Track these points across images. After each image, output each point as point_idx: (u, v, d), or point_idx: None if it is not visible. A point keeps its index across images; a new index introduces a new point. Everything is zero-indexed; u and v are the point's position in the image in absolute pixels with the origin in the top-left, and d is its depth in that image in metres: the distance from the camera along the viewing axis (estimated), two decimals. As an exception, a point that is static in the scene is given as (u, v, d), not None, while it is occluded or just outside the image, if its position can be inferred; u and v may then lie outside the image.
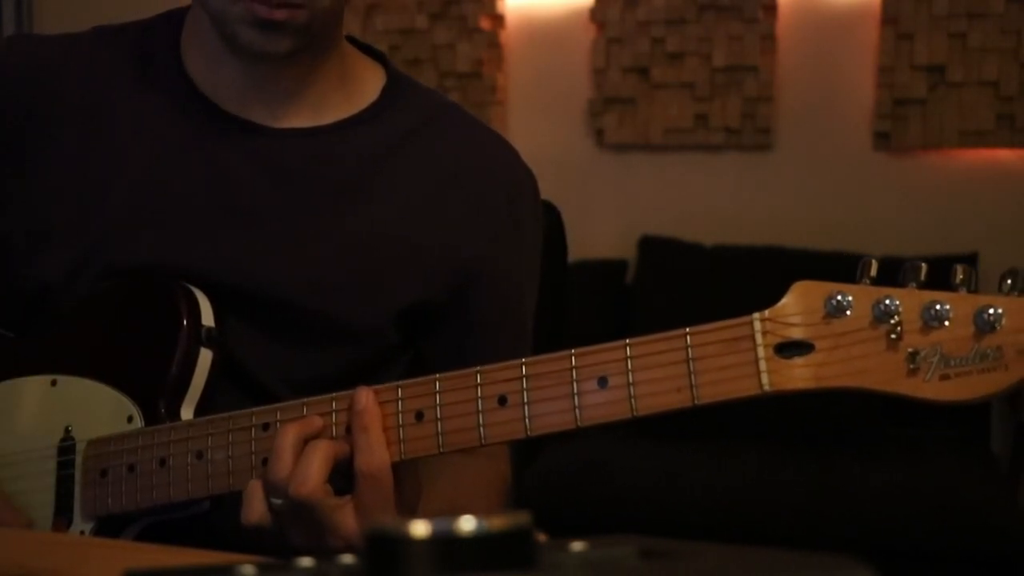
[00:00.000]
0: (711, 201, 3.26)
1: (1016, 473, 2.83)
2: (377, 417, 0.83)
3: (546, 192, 1.36)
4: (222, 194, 1.02)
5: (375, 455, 0.82)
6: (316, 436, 0.85)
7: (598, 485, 2.62)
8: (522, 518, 0.36)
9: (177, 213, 1.02)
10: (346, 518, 0.83)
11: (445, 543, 0.35)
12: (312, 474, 0.82)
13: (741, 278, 2.90)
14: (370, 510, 0.83)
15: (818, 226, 3.11)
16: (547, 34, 3.35)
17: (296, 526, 0.84)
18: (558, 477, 2.62)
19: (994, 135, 3.01)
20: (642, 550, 0.37)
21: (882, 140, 3.11)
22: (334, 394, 0.86)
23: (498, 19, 3.36)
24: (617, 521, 2.52)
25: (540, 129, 3.36)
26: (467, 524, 0.35)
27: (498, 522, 0.35)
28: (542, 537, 0.37)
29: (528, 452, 2.50)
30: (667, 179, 3.30)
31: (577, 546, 0.37)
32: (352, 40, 1.11)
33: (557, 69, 3.35)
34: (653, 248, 3.16)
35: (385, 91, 1.08)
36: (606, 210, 3.32)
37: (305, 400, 0.87)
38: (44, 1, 3.68)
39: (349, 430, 0.84)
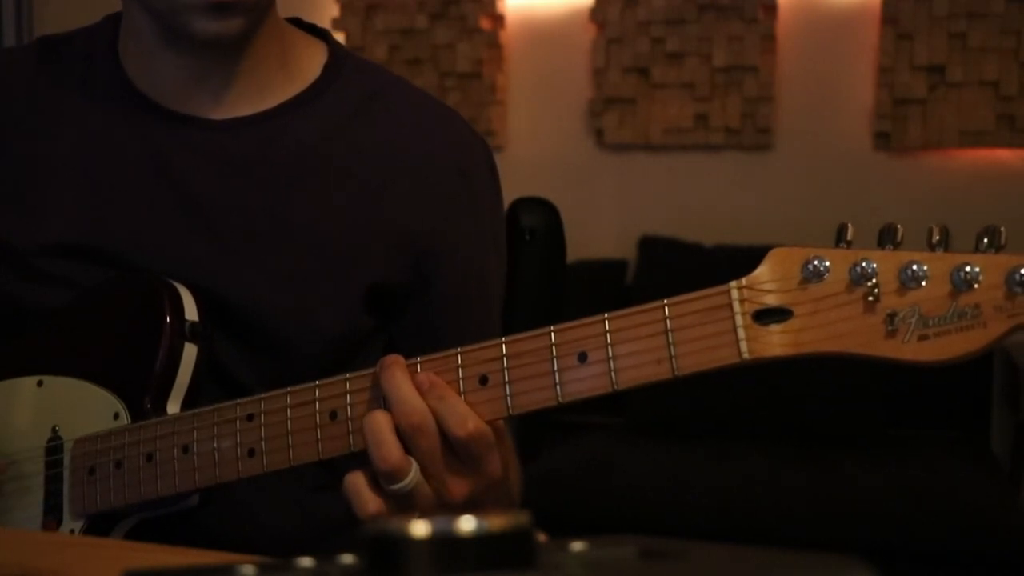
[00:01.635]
0: (711, 201, 3.26)
1: (1016, 473, 2.83)
2: (446, 386, 0.80)
3: (546, 192, 1.36)
4: (173, 193, 1.01)
5: (460, 416, 0.79)
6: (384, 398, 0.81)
7: (599, 485, 2.62)
8: (522, 518, 0.36)
9: (129, 215, 1.01)
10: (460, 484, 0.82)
11: (445, 543, 0.35)
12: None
13: (741, 278, 2.90)
14: (479, 468, 0.81)
15: (818, 226, 3.10)
16: (547, 34, 3.35)
17: (413, 505, 0.82)
18: (558, 477, 2.62)
19: (994, 135, 3.02)
20: (642, 550, 0.37)
21: (882, 140, 3.11)
22: (316, 382, 0.86)
23: (498, 19, 3.36)
24: (617, 521, 2.52)
25: (540, 129, 3.36)
26: (467, 524, 0.35)
27: (498, 522, 0.35)
28: (542, 537, 0.37)
29: (528, 452, 2.49)
30: (667, 179, 3.30)
31: (577, 546, 0.37)
32: (296, 21, 1.10)
33: (557, 69, 3.35)
34: (653, 248, 3.16)
35: (326, 69, 1.06)
36: (606, 210, 3.32)
37: (288, 389, 0.87)
38: (44, 1, 3.68)
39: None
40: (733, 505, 2.52)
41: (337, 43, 1.09)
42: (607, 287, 3.20)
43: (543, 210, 1.38)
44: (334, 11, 3.47)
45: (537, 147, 3.32)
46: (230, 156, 1.02)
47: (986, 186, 3.06)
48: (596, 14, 3.27)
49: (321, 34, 1.10)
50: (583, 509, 2.57)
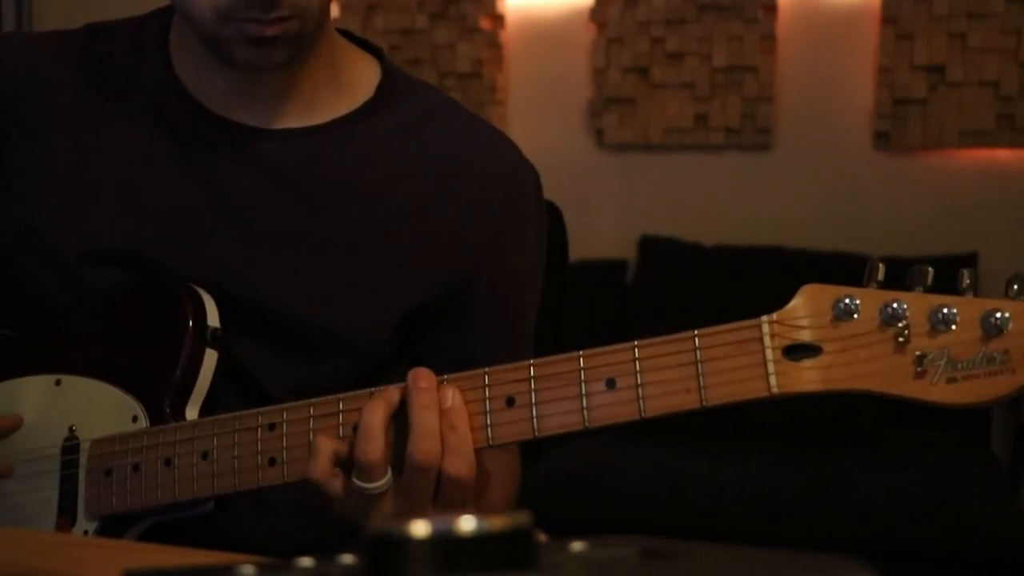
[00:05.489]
0: (711, 201, 3.26)
1: (1016, 473, 2.83)
2: (465, 417, 0.80)
3: (546, 192, 1.36)
4: (215, 199, 1.01)
5: (462, 456, 0.80)
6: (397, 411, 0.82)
7: (598, 485, 2.62)
8: (522, 518, 0.36)
9: (169, 218, 1.01)
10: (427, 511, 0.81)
11: (445, 543, 0.35)
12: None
13: (741, 278, 2.90)
14: (452, 507, 0.81)
15: (818, 226, 3.11)
16: (547, 34, 3.35)
17: (372, 507, 0.81)
18: (558, 477, 2.62)
19: (994, 135, 3.02)
20: (642, 550, 0.37)
21: (882, 140, 3.11)
22: (341, 395, 0.86)
23: (498, 19, 3.36)
24: (617, 521, 2.52)
25: (540, 129, 3.36)
26: (467, 524, 0.35)
27: (498, 522, 0.35)
28: (542, 537, 0.37)
29: (529, 452, 2.50)
30: (667, 179, 3.30)
31: (577, 546, 0.37)
32: (348, 34, 1.09)
33: (557, 69, 3.35)
34: (653, 248, 3.16)
35: (380, 87, 1.05)
36: (606, 210, 3.32)
37: (311, 401, 0.87)
38: (44, 1, 3.68)
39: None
40: (733, 506, 2.52)
41: (390, 61, 1.08)
42: (607, 287, 3.20)
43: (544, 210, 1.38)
44: (334, 11, 3.47)
45: (537, 147, 3.30)
46: (277, 166, 1.01)
47: (986, 186, 3.06)
48: (596, 14, 3.27)
49: (374, 50, 1.09)
50: (583, 509, 2.57)
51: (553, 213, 1.40)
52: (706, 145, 3.24)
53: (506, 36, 3.38)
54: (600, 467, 2.67)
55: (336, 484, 0.82)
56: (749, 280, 2.84)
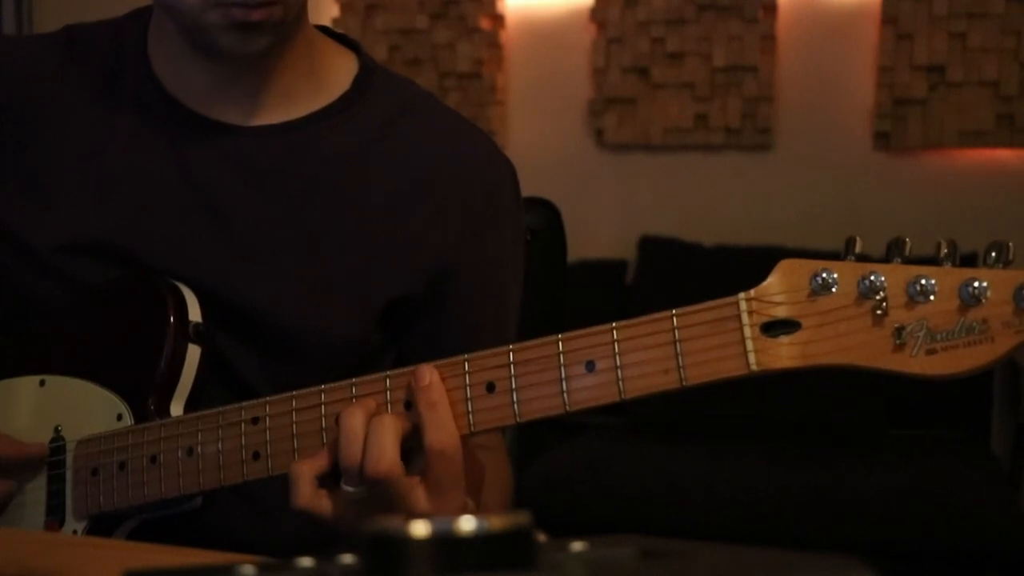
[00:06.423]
0: (711, 201, 3.26)
1: (1016, 473, 2.83)
2: (443, 392, 0.81)
3: (546, 192, 1.36)
4: (194, 196, 1.01)
5: (445, 431, 0.80)
6: (376, 413, 0.82)
7: (598, 485, 2.62)
8: (522, 518, 0.36)
9: (148, 215, 1.01)
10: (420, 498, 0.81)
11: (445, 543, 0.35)
12: (387, 449, 0.79)
13: (741, 278, 2.88)
14: (442, 488, 0.81)
15: (818, 226, 3.11)
16: (547, 34, 3.35)
17: (366, 511, 0.81)
18: (558, 477, 2.62)
19: (994, 135, 3.02)
20: (642, 550, 0.37)
21: (882, 140, 3.11)
22: (322, 387, 0.86)
23: (498, 19, 3.36)
24: (617, 521, 2.52)
25: (540, 129, 3.36)
26: (467, 524, 0.35)
27: (498, 522, 0.35)
28: (542, 537, 0.37)
29: (528, 452, 2.50)
30: (667, 179, 3.30)
31: (577, 546, 0.37)
32: (325, 29, 1.09)
33: (557, 69, 3.35)
34: (653, 248, 3.16)
35: (357, 81, 1.06)
36: (606, 210, 3.33)
37: (294, 393, 0.87)
38: (44, 1, 3.68)
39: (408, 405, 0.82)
40: (733, 505, 2.52)
41: (367, 55, 1.09)
42: (607, 287, 3.20)
43: (543, 210, 1.38)
44: (334, 11, 3.47)
45: (537, 147, 3.32)
46: (256, 164, 1.01)
47: (986, 186, 3.06)
48: (596, 14, 3.27)
49: (351, 45, 1.10)
50: (583, 509, 2.57)
51: (553, 213, 1.40)
52: (706, 145, 3.25)
53: (506, 36, 3.38)
54: (599, 467, 2.67)
55: (325, 504, 0.82)
56: (749, 280, 2.83)
